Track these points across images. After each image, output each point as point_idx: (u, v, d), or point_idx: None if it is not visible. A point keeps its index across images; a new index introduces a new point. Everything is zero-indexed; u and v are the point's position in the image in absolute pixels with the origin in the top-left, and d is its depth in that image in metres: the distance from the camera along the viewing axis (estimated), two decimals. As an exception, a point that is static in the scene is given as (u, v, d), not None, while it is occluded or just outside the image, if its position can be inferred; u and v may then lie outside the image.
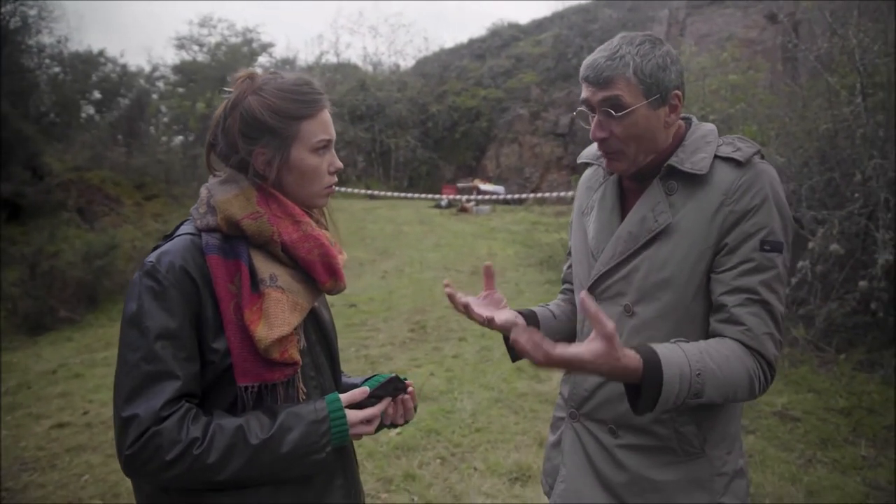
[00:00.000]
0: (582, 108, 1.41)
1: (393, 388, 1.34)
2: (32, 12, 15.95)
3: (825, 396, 4.47)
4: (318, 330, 1.39)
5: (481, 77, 21.73)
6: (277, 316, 1.20)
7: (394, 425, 1.39)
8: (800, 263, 5.02)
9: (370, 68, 27.30)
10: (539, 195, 16.79)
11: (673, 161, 1.37)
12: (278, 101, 1.25)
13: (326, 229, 1.38)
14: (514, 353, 1.61)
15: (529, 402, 4.53)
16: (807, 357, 5.09)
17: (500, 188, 18.18)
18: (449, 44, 30.10)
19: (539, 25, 23.47)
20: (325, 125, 1.30)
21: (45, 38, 17.54)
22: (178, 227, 1.30)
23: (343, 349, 5.85)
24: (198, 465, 1.13)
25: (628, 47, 1.34)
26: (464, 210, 15.79)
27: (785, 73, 8.55)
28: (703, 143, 1.39)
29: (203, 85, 21.03)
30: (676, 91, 1.37)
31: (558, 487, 1.54)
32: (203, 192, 1.29)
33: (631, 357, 1.18)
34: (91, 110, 21.41)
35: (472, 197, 17.28)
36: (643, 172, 1.43)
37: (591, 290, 1.47)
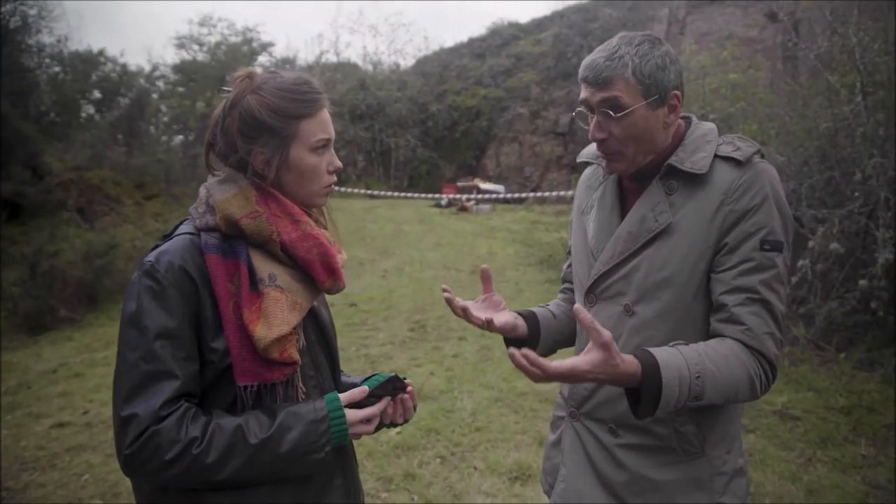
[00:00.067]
0: (581, 108, 1.40)
1: (392, 387, 1.34)
2: (32, 12, 15.95)
3: (825, 395, 4.47)
4: (317, 329, 1.39)
5: (481, 76, 21.72)
6: (276, 315, 1.20)
7: (393, 425, 1.39)
8: (800, 262, 5.01)
9: (370, 67, 27.29)
10: (539, 194, 16.78)
11: (673, 160, 1.37)
12: (277, 100, 1.25)
13: (325, 229, 1.38)
14: None
15: (529, 402, 4.53)
16: (807, 356, 5.09)
17: (500, 187, 18.17)
18: (449, 43, 30.15)
19: (539, 24, 23.45)
20: (324, 124, 1.30)
21: (45, 38, 17.55)
22: (177, 227, 1.30)
23: (343, 348, 5.85)
24: (197, 464, 1.12)
25: (627, 48, 1.33)
26: (464, 209, 15.79)
27: (785, 72, 8.55)
28: (703, 142, 1.39)
29: (203, 84, 21.02)
30: (675, 91, 1.36)
31: (558, 487, 1.54)
32: (202, 191, 1.29)
33: (629, 363, 1.19)
34: (91, 110, 21.42)
35: (473, 196, 17.28)
36: (643, 172, 1.43)
37: (591, 289, 1.47)
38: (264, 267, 1.24)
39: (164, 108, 22.32)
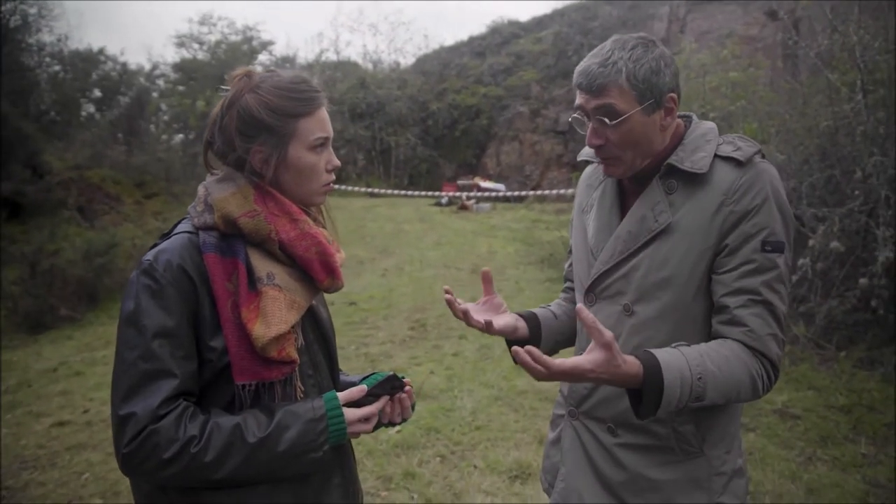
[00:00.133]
0: (577, 114, 1.40)
1: (391, 386, 1.34)
2: (32, 11, 15.96)
3: (825, 394, 4.47)
4: (315, 328, 1.39)
5: (481, 75, 21.72)
6: (275, 314, 1.20)
7: (391, 424, 1.39)
8: (800, 261, 5.01)
9: (370, 66, 27.29)
10: (539, 193, 16.78)
11: (673, 160, 1.36)
12: (275, 98, 1.25)
13: (324, 227, 1.38)
14: None
15: (529, 400, 4.53)
16: (807, 355, 5.09)
17: (500, 186, 18.18)
18: (449, 41, 30.10)
19: (539, 23, 23.44)
20: (322, 123, 1.30)
21: (46, 37, 17.55)
22: (175, 226, 1.30)
23: (343, 347, 5.86)
24: (195, 463, 1.12)
25: (620, 52, 1.32)
26: (464, 208, 15.79)
27: (785, 70, 8.55)
28: (703, 141, 1.38)
29: (203, 83, 21.01)
30: (671, 94, 1.35)
31: (558, 486, 1.54)
32: (200, 190, 1.29)
33: (631, 363, 1.19)
34: (91, 109, 21.41)
35: (473, 195, 17.28)
36: (642, 172, 1.42)
37: (591, 288, 1.47)
38: (262, 266, 1.23)
39: (164, 106, 22.31)
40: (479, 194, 17.36)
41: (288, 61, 26.12)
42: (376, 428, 1.34)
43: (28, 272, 9.05)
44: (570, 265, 1.70)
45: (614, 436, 1.45)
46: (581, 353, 1.22)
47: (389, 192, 17.92)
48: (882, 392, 4.39)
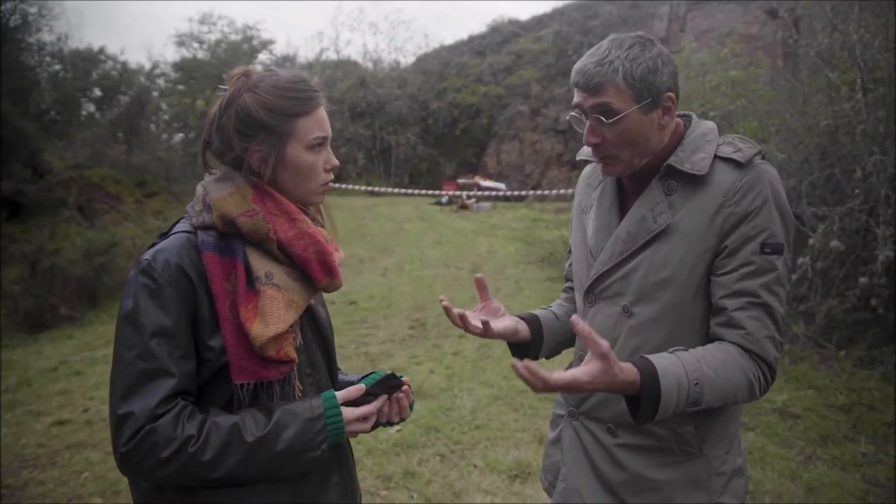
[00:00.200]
0: (574, 112, 1.40)
1: (389, 385, 1.34)
2: (32, 10, 15.94)
3: (825, 393, 4.46)
4: (314, 328, 1.39)
5: (481, 74, 21.72)
6: (273, 314, 1.19)
7: (389, 423, 1.39)
8: (800, 260, 5.01)
9: (370, 65, 27.31)
10: (539, 192, 16.79)
11: (672, 161, 1.36)
12: (273, 98, 1.25)
13: (323, 227, 1.38)
14: (518, 355, 1.61)
15: (529, 400, 4.53)
16: (807, 354, 5.09)
17: (500, 185, 18.19)
18: (449, 40, 30.09)
19: (539, 22, 23.45)
20: (320, 122, 1.29)
21: (46, 36, 17.53)
22: (174, 225, 1.30)
23: (343, 346, 5.87)
24: (193, 462, 1.12)
25: (617, 51, 1.31)
26: (464, 207, 15.80)
27: (785, 69, 8.54)
28: (703, 142, 1.38)
29: (203, 82, 21.01)
30: (669, 93, 1.34)
31: (559, 486, 1.54)
32: (199, 189, 1.29)
33: (628, 371, 1.19)
34: (91, 108, 21.42)
35: (473, 193, 17.29)
36: (642, 172, 1.42)
37: (590, 289, 1.47)
38: (261, 265, 1.23)
39: (164, 106, 22.31)
40: (480, 193, 17.38)
41: (288, 60, 26.13)
42: (374, 427, 1.34)
43: (28, 271, 9.05)
44: (570, 265, 1.70)
45: (614, 436, 1.45)
46: (581, 356, 1.22)
47: (390, 190, 17.93)
48: (882, 391, 4.39)
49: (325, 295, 1.47)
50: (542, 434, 3.88)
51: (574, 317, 1.20)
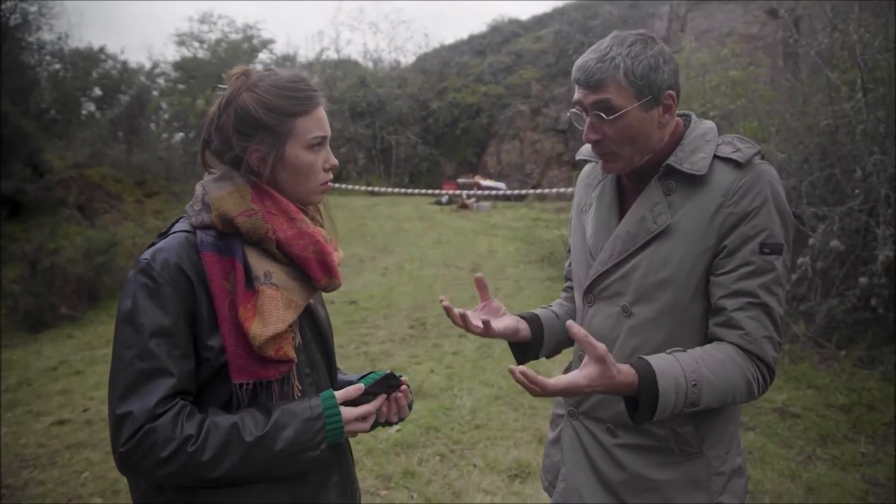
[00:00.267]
0: (575, 109, 1.40)
1: (388, 385, 1.34)
2: (33, 9, 15.92)
3: (825, 393, 4.46)
4: (313, 327, 1.39)
5: (482, 73, 21.72)
6: (272, 313, 1.19)
7: (388, 423, 1.39)
8: (800, 260, 5.01)
9: (371, 65, 27.30)
10: (540, 191, 16.77)
11: (671, 161, 1.36)
12: (273, 97, 1.25)
13: (322, 226, 1.38)
14: (519, 354, 1.61)
15: (529, 399, 4.53)
16: (807, 353, 5.09)
17: (500, 184, 18.19)
18: (449, 40, 30.10)
19: (539, 21, 23.45)
20: (319, 122, 1.29)
21: (46, 35, 17.52)
22: (173, 225, 1.30)
23: (343, 346, 5.87)
24: (192, 462, 1.12)
25: (619, 48, 1.31)
26: (464, 206, 15.79)
27: (785, 69, 8.54)
28: (703, 141, 1.37)
29: (203, 81, 21.00)
30: (670, 91, 1.34)
31: (559, 486, 1.55)
32: (198, 189, 1.29)
33: (626, 373, 1.20)
34: (92, 107, 21.39)
35: (473, 193, 17.28)
36: (641, 171, 1.42)
37: (590, 289, 1.47)
38: (260, 265, 1.23)
39: (164, 105, 22.29)
40: (480, 193, 17.37)
41: (288, 60, 26.12)
42: (373, 427, 1.34)
43: (28, 271, 9.05)
44: (570, 264, 1.70)
45: (613, 436, 1.45)
46: (580, 356, 1.22)
47: (390, 190, 17.92)
48: (882, 391, 4.39)
49: (324, 294, 1.47)
50: (542, 434, 3.88)
51: (570, 321, 1.20)
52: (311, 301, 1.36)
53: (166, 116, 22.31)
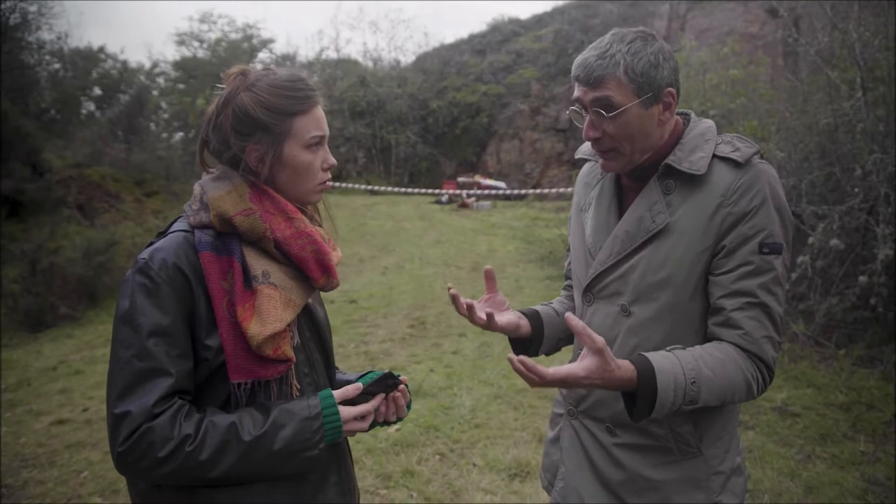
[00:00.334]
0: (574, 107, 1.39)
1: (386, 384, 1.34)
2: (32, 9, 15.91)
3: (825, 392, 4.46)
4: (311, 327, 1.39)
5: (481, 73, 21.73)
6: (270, 313, 1.19)
7: (387, 423, 1.39)
8: (800, 259, 5.01)
9: (370, 64, 27.31)
10: (540, 191, 16.78)
11: (670, 160, 1.35)
12: (271, 97, 1.25)
13: (320, 226, 1.38)
14: (519, 350, 1.61)
15: (528, 399, 4.53)
16: (806, 352, 5.09)
17: (500, 184, 18.19)
18: (449, 39, 30.13)
19: (539, 21, 23.45)
20: (318, 121, 1.29)
21: (45, 35, 17.51)
22: (171, 224, 1.30)
23: (343, 345, 5.87)
24: (190, 461, 1.12)
25: (619, 45, 1.31)
26: (464, 206, 15.80)
27: (785, 68, 8.54)
28: (702, 141, 1.37)
29: (203, 81, 21.02)
30: (670, 88, 1.34)
31: (558, 485, 1.55)
32: (196, 188, 1.29)
33: (625, 368, 1.20)
34: (91, 107, 21.42)
35: (473, 192, 17.29)
36: (640, 170, 1.41)
37: (589, 288, 1.47)
38: (258, 264, 1.23)
39: (164, 104, 22.31)
40: (480, 192, 17.37)
41: (288, 59, 26.13)
42: (371, 427, 1.34)
43: (28, 270, 9.04)
44: (570, 263, 1.70)
45: (613, 435, 1.45)
46: (580, 352, 1.22)
47: (390, 189, 17.91)
48: (881, 390, 4.39)
49: (324, 294, 1.47)
50: (542, 433, 3.88)
51: (568, 313, 1.20)
52: (310, 300, 1.36)
53: (166, 116, 22.32)
